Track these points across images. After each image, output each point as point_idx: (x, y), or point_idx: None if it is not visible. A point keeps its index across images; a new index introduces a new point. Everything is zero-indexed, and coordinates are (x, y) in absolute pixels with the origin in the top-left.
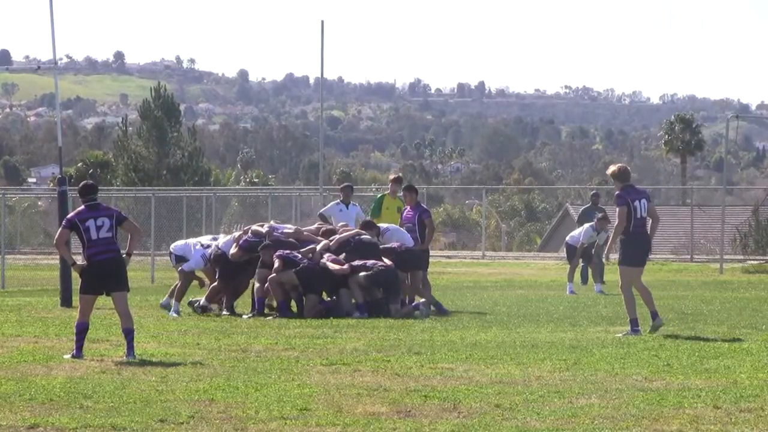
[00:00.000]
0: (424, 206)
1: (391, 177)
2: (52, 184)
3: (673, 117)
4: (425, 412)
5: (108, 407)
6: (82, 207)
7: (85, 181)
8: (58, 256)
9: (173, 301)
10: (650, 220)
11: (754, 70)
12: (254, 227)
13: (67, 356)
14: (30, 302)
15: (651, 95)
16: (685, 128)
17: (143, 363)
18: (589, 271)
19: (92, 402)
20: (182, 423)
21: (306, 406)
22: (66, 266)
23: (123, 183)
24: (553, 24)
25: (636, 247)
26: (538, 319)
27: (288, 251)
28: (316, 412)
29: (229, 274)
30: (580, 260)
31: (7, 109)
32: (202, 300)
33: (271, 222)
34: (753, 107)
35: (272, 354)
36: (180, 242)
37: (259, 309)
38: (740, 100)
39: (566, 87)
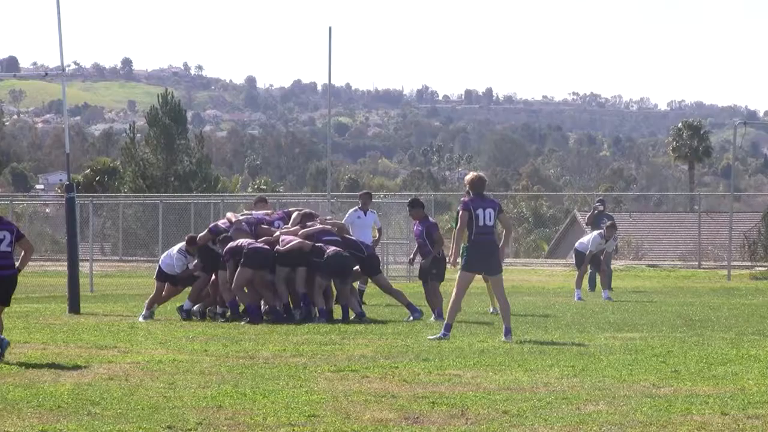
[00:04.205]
0: (432, 220)
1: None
2: (59, 191)
3: (680, 124)
4: (433, 419)
5: (116, 414)
6: None
7: None
8: (65, 263)
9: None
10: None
11: (761, 77)
12: (229, 214)
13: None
14: (38, 309)
15: (659, 102)
16: (693, 135)
17: (151, 370)
18: (597, 277)
19: (100, 409)
20: (190, 430)
21: (314, 412)
22: (74, 273)
23: (131, 190)
24: (561, 30)
25: (475, 254)
26: (545, 325)
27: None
28: (324, 419)
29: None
30: (588, 267)
31: (15, 116)
32: (185, 304)
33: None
34: (761, 114)
35: (280, 360)
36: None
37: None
38: (748, 106)
39: (574, 93)
